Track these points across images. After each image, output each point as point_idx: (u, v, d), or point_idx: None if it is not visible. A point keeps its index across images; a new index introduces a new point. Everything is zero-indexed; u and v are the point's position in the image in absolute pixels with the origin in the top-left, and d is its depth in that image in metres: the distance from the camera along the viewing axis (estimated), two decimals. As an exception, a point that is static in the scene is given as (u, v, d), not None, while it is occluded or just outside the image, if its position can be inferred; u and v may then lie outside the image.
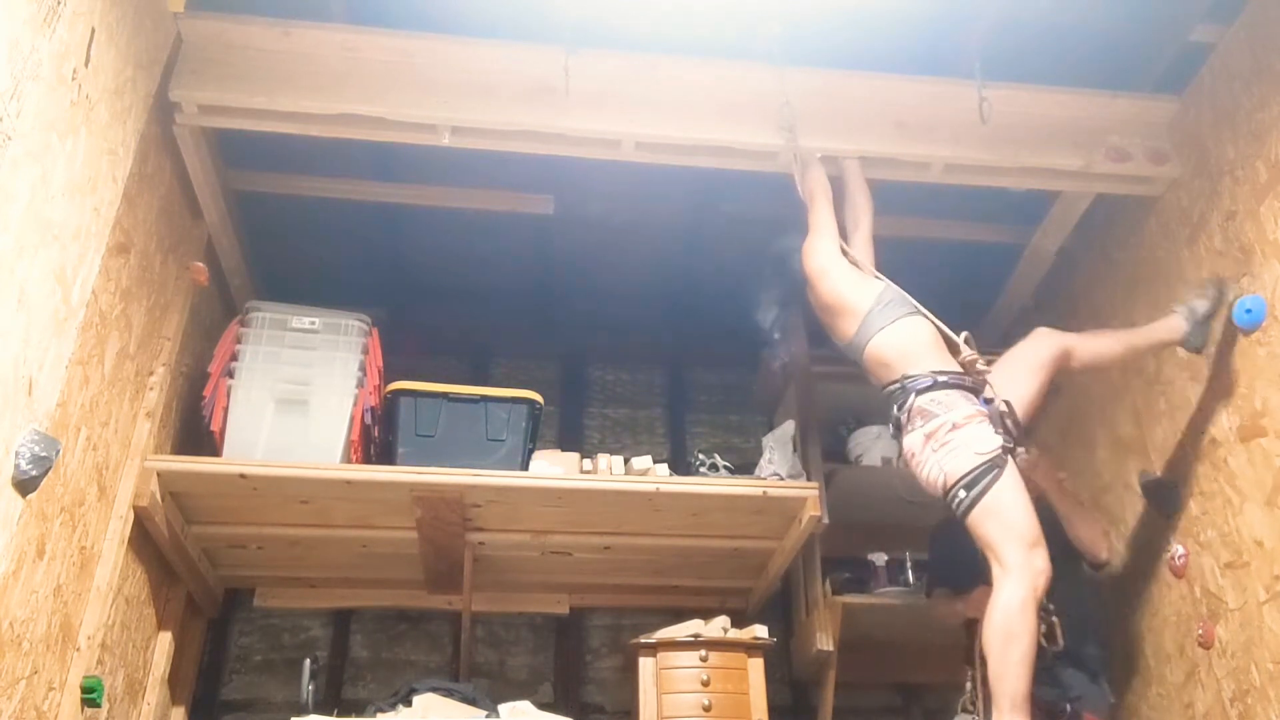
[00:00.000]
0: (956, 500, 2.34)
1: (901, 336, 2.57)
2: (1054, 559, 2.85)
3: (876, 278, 2.72)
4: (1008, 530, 2.29)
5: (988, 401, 2.42)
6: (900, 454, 2.56)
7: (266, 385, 2.96)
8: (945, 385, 2.45)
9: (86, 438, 2.37)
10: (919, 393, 2.45)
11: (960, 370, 2.50)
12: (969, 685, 2.84)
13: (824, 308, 2.78)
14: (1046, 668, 2.70)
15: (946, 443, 2.37)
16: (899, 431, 2.51)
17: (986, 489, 2.30)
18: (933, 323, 2.57)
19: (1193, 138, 2.99)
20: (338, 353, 3.03)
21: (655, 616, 3.51)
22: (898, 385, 2.51)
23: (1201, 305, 2.71)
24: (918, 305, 2.60)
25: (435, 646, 3.61)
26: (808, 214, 2.87)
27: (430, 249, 3.86)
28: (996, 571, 2.29)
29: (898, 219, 3.15)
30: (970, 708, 2.76)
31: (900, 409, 2.49)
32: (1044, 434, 3.75)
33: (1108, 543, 2.94)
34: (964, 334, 2.50)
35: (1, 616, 1.99)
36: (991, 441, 2.35)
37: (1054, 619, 2.54)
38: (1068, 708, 2.68)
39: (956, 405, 2.41)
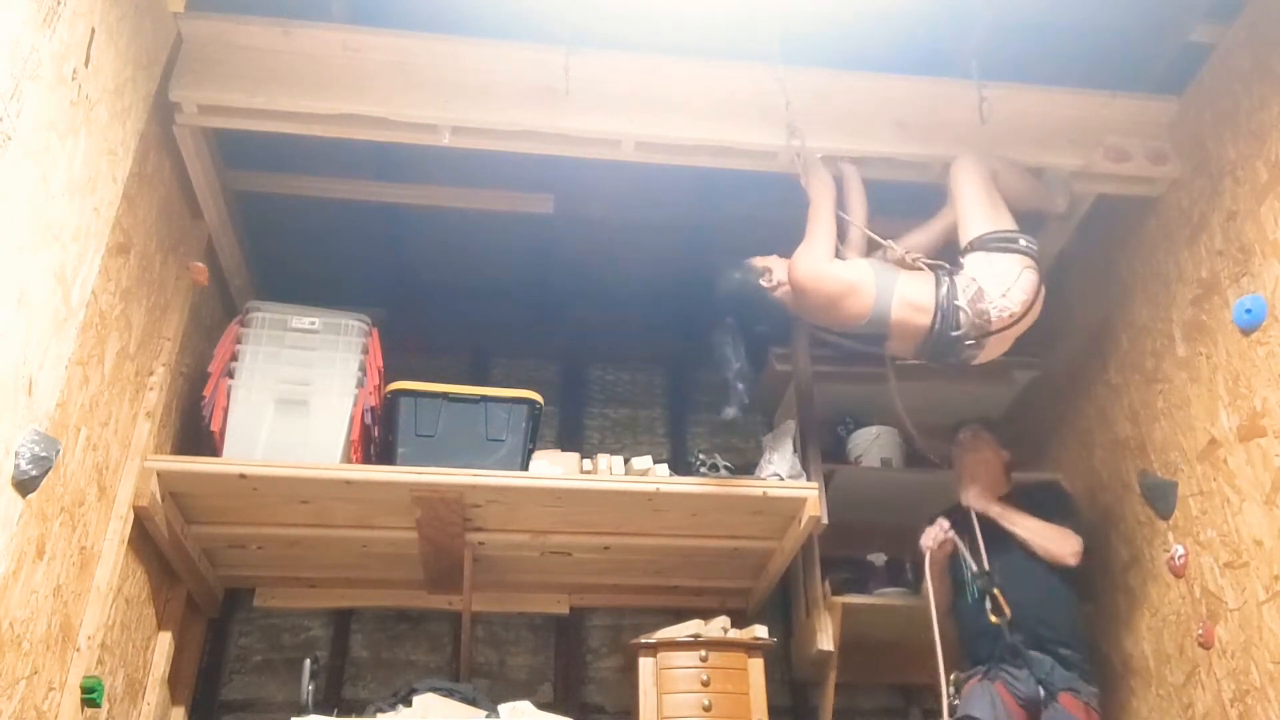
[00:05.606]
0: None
1: (915, 279, 2.80)
2: (1027, 562, 2.89)
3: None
4: None
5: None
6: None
7: (266, 385, 2.96)
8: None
9: (86, 438, 2.37)
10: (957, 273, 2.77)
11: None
12: (950, 687, 2.86)
13: (828, 301, 2.81)
14: (1011, 649, 2.73)
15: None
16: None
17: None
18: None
19: (1193, 138, 2.98)
20: (338, 353, 3.03)
21: (655, 616, 3.52)
22: (945, 282, 2.75)
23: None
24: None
25: (435, 646, 3.61)
26: (808, 219, 2.87)
27: (430, 249, 3.86)
28: None
29: (897, 220, 3.14)
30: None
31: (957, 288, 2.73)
32: (1042, 434, 3.76)
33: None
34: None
35: (1, 616, 1.99)
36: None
37: (994, 590, 2.82)
38: (1040, 691, 2.71)
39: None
